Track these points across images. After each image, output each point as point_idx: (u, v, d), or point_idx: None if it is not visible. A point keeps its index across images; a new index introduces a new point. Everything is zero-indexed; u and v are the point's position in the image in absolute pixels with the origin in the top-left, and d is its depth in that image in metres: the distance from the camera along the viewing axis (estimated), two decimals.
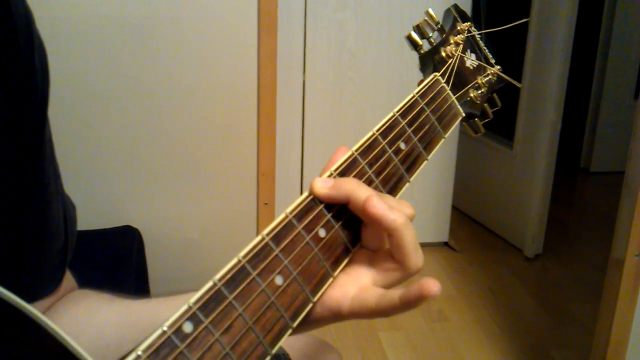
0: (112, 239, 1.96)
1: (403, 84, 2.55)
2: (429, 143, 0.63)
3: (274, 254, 0.49)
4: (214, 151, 2.19)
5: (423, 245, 2.15)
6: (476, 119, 0.75)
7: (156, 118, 2.12)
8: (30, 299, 0.63)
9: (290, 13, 2.35)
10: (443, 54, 0.70)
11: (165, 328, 0.41)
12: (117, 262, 1.67)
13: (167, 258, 2.20)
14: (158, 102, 2.11)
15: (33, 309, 0.36)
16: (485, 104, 0.76)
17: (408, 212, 0.53)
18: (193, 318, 0.43)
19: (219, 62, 2.11)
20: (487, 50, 0.77)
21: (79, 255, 0.72)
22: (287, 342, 0.87)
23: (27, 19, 0.55)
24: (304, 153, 2.55)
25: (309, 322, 0.54)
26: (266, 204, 2.17)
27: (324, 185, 0.52)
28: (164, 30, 2.05)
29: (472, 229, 3.12)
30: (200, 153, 2.18)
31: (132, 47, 2.04)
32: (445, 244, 2.89)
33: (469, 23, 0.75)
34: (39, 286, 0.64)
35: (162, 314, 0.60)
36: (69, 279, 0.69)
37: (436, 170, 2.76)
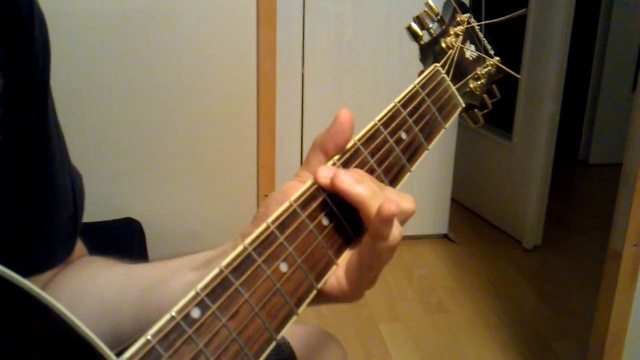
0: (114, 231, 1.97)
1: (402, 76, 2.55)
2: (429, 133, 0.63)
3: (279, 241, 0.49)
4: (214, 144, 2.19)
5: (422, 238, 2.16)
6: (475, 110, 0.76)
7: (156, 111, 2.13)
8: (42, 268, 0.65)
9: (288, 5, 2.35)
10: (443, 44, 0.71)
11: (173, 313, 0.42)
12: (119, 254, 1.68)
13: (168, 250, 2.21)
14: (158, 95, 2.11)
15: (35, 287, 0.36)
16: (485, 95, 0.77)
17: (408, 207, 0.54)
18: (201, 304, 0.44)
19: (218, 55, 2.12)
20: (486, 42, 0.78)
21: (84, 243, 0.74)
22: (289, 332, 0.88)
23: None
24: (303, 145, 2.55)
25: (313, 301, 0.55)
26: (266, 195, 2.18)
27: (327, 175, 0.53)
28: (164, 24, 2.05)
29: (471, 221, 3.13)
30: (201, 146, 2.19)
31: (131, 40, 2.04)
32: (445, 236, 2.91)
33: (468, 14, 0.75)
34: (51, 255, 0.66)
35: (160, 274, 0.61)
36: (79, 247, 0.71)
37: (435, 162, 2.77)
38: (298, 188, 0.53)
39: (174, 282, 0.59)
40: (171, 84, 2.11)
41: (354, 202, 0.52)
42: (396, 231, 0.51)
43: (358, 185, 0.52)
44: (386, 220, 0.49)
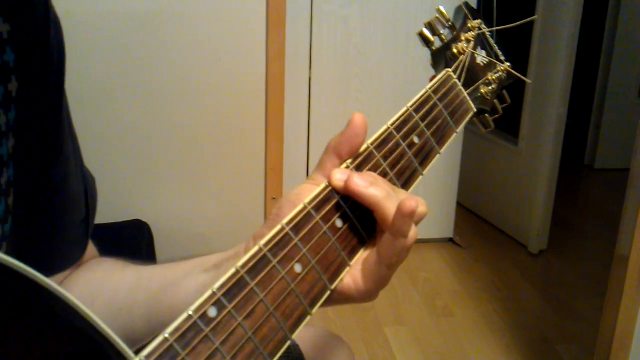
0: (122, 233, 1.98)
1: (409, 80, 2.56)
2: (441, 137, 0.64)
3: (294, 243, 0.50)
4: (222, 146, 2.20)
5: (428, 242, 2.16)
6: (486, 115, 0.76)
7: (165, 113, 2.14)
8: (54, 270, 0.65)
9: (296, 9, 2.36)
10: (454, 50, 0.72)
11: (191, 312, 0.43)
12: (127, 256, 1.69)
13: (176, 252, 2.21)
14: (167, 97, 2.12)
15: (54, 284, 0.37)
16: (495, 100, 0.78)
17: (421, 209, 0.55)
18: (217, 303, 0.44)
19: (227, 58, 2.12)
20: (497, 47, 0.79)
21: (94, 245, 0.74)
22: (298, 334, 0.88)
23: None
24: (309, 148, 2.56)
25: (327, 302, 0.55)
26: (274, 198, 2.19)
27: (341, 178, 0.54)
28: (174, 26, 2.06)
29: (477, 225, 3.14)
30: (209, 148, 2.20)
31: (141, 43, 2.05)
32: (450, 240, 2.91)
33: (479, 20, 0.76)
34: (63, 256, 0.66)
35: (171, 276, 0.62)
36: (91, 249, 0.72)
37: (441, 166, 2.77)
38: (312, 191, 0.54)
39: (186, 284, 0.60)
40: (180, 86, 2.12)
41: (369, 203, 0.53)
42: (412, 231, 0.53)
43: (372, 187, 0.53)
44: (407, 216, 0.50)
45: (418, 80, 2.52)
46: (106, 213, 2.07)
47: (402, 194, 0.56)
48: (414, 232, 0.53)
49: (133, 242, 1.96)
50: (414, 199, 0.51)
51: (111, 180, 2.14)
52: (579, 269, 2.71)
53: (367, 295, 0.54)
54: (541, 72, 2.73)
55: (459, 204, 2.94)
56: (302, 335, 0.94)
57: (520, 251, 2.86)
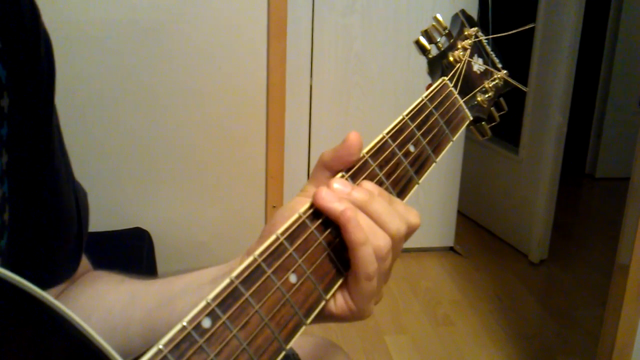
0: (123, 241, 1.98)
1: (409, 88, 2.56)
2: (437, 146, 0.64)
3: (288, 253, 0.50)
4: (223, 154, 2.20)
5: (428, 250, 2.16)
6: (483, 123, 0.76)
7: (166, 121, 2.14)
8: (48, 284, 0.65)
9: (297, 18, 2.37)
10: (451, 58, 0.72)
11: (185, 323, 0.43)
12: (128, 264, 1.69)
13: (177, 260, 2.21)
14: (168, 106, 2.12)
15: (51, 298, 0.37)
16: (492, 108, 0.78)
17: (414, 221, 0.55)
18: (211, 314, 0.44)
19: (228, 66, 2.13)
20: (493, 55, 0.79)
21: (89, 257, 0.74)
22: (297, 343, 0.88)
23: (34, 12, 0.57)
24: (310, 156, 2.56)
25: (322, 318, 0.55)
26: (274, 207, 2.18)
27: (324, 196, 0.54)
28: (175, 35, 2.07)
29: (477, 234, 3.13)
30: (210, 156, 2.20)
31: (143, 51, 2.06)
32: (451, 248, 2.90)
33: (476, 28, 0.76)
34: (57, 271, 0.66)
35: (167, 292, 0.62)
36: (84, 262, 0.71)
37: (442, 175, 2.77)
38: (304, 203, 0.54)
39: (182, 302, 0.60)
40: (181, 94, 2.12)
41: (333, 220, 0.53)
42: (395, 227, 0.53)
43: (338, 202, 0.53)
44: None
45: (419, 88, 2.51)
46: (107, 221, 2.07)
47: (398, 204, 0.56)
48: (396, 228, 0.53)
49: (134, 250, 1.95)
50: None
51: (112, 188, 2.13)
52: (579, 278, 2.71)
53: (359, 313, 0.55)
54: (542, 80, 2.73)
55: (459, 213, 2.93)
56: (301, 344, 0.94)
57: (520, 260, 2.85)
